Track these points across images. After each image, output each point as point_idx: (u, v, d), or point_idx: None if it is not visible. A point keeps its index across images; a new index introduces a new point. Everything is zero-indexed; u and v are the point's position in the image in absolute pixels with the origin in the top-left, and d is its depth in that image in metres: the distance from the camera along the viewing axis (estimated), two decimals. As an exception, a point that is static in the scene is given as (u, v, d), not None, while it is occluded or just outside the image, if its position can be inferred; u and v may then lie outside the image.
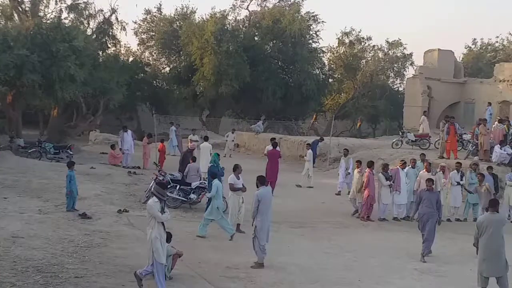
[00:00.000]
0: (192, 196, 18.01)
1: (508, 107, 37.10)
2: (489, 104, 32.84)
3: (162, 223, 10.16)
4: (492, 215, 11.09)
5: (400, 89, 50.55)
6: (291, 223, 17.08)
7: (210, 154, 22.05)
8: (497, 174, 19.31)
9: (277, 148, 23.05)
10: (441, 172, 18.73)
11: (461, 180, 18.92)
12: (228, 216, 15.33)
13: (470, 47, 55.43)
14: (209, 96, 44.00)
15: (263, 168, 21.29)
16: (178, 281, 11.03)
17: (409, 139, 29.46)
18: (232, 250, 13.62)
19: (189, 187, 18.14)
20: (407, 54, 49.41)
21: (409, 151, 27.47)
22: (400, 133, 31.89)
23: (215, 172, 16.93)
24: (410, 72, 48.19)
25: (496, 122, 25.49)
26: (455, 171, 19.09)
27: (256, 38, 47.19)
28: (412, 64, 48.98)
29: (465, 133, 27.30)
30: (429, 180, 14.41)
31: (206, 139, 25.10)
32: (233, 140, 34.97)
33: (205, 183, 17.83)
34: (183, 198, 18.00)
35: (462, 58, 52.80)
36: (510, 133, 24.86)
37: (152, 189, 10.66)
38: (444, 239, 16.03)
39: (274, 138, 26.18)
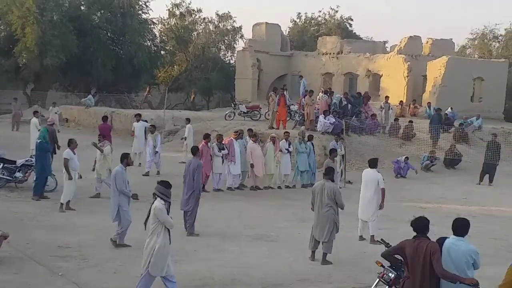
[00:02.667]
0: (18, 174, 16.99)
1: (331, 78, 39.52)
2: (301, 77, 34.62)
3: (168, 230, 8.68)
4: (324, 182, 11.71)
5: (231, 61, 51.48)
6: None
7: (38, 130, 20.92)
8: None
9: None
10: (271, 142, 19.50)
11: (289, 147, 19.86)
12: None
13: (295, 21, 57.96)
14: (33, 68, 41.33)
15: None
16: (5, 264, 10.34)
17: (241, 111, 30.22)
18: (63, 229, 13.04)
19: (14, 165, 17.07)
20: (237, 27, 50.44)
21: (241, 122, 28.20)
22: (233, 105, 32.56)
23: (44, 148, 16.17)
24: (240, 45, 49.30)
25: (321, 93, 26.97)
26: (284, 140, 19.96)
27: (82, 8, 45.21)
28: (242, 37, 50.14)
29: (292, 104, 28.63)
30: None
31: (35, 114, 23.86)
32: (56, 113, 33.02)
33: (32, 160, 16.95)
34: (8, 177, 16.90)
35: (288, 31, 55.01)
36: (333, 103, 26.48)
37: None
38: (274, 206, 16.78)
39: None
